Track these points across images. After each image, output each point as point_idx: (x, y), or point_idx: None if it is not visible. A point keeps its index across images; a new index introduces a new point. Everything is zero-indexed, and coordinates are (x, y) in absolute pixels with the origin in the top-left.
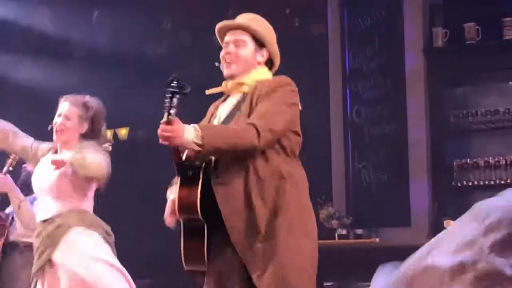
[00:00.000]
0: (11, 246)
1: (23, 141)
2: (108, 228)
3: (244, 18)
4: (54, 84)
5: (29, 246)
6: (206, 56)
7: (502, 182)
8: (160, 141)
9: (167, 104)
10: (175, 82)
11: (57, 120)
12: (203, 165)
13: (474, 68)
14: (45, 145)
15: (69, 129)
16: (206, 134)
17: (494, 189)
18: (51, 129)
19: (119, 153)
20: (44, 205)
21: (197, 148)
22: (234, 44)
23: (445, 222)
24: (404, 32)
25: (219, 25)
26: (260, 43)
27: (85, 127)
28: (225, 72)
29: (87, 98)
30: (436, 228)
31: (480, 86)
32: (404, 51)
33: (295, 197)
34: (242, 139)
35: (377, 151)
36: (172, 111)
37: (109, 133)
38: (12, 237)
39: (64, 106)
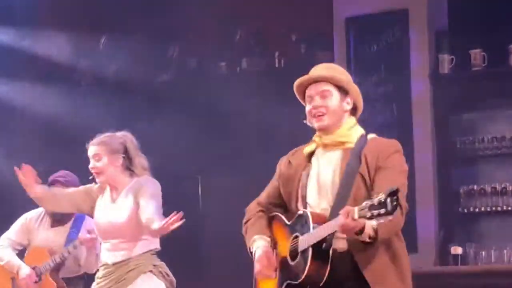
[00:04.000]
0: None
1: (73, 192)
2: (173, 280)
3: (322, 69)
4: (61, 112)
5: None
6: (213, 83)
7: (510, 208)
8: (342, 232)
9: (374, 211)
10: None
11: (90, 165)
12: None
13: (481, 94)
14: (90, 186)
15: (103, 168)
16: (380, 227)
17: (501, 216)
18: (93, 178)
19: None
20: (114, 247)
21: (368, 240)
22: (320, 96)
23: (452, 249)
24: (410, 58)
25: (298, 81)
26: (343, 91)
27: (119, 161)
28: (317, 124)
29: (110, 133)
30: (443, 254)
31: (487, 112)
32: (410, 78)
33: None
34: (398, 226)
35: None
36: (368, 215)
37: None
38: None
39: (91, 149)
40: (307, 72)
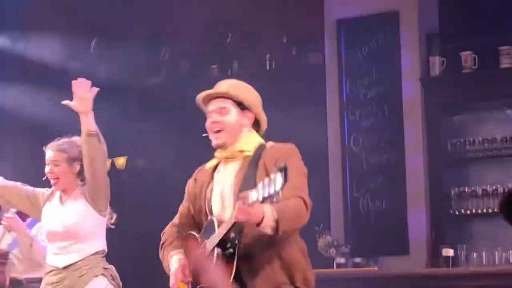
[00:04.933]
0: (15, 283)
1: (26, 191)
2: (120, 284)
3: (223, 85)
4: (52, 114)
5: (35, 281)
6: (204, 85)
7: None
8: (238, 217)
9: (266, 195)
10: None
11: (47, 168)
12: (237, 242)
13: (471, 96)
14: (41, 191)
15: (61, 174)
16: (281, 218)
17: (492, 218)
18: (47, 179)
19: (117, 182)
20: (62, 250)
21: (270, 232)
22: (218, 113)
23: (444, 251)
24: (401, 61)
25: (200, 95)
26: (242, 107)
27: (77, 168)
28: (214, 142)
29: (69, 138)
30: (434, 256)
31: (478, 114)
32: (401, 80)
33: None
34: (301, 220)
35: (375, 180)
36: (271, 198)
37: (107, 163)
38: (12, 274)
39: (48, 154)
40: (298, 74)
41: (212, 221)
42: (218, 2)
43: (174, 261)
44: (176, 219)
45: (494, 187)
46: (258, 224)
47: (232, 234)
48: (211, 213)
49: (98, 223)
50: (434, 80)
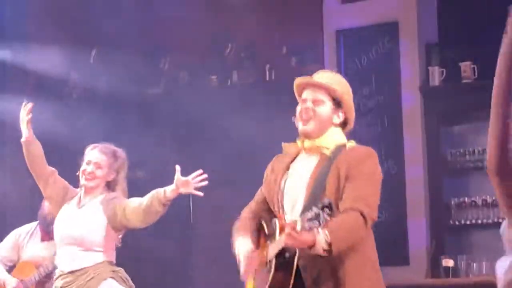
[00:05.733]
0: None
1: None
2: (133, 286)
3: (324, 77)
4: (52, 125)
5: None
6: (204, 96)
7: (501, 220)
8: (288, 243)
9: (311, 217)
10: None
11: (86, 167)
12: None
13: (471, 106)
14: (73, 189)
15: (98, 178)
16: (334, 240)
17: (492, 228)
18: (78, 175)
19: None
20: (72, 255)
21: (323, 254)
22: (313, 102)
23: (444, 261)
24: (400, 71)
25: (297, 80)
26: (337, 104)
27: (111, 176)
28: (301, 128)
29: (115, 147)
30: (434, 267)
31: (477, 124)
32: (401, 90)
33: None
34: (357, 236)
35: None
36: (311, 224)
37: None
38: None
39: (94, 154)
40: None
41: (274, 223)
42: (218, 13)
43: (239, 245)
44: (252, 203)
45: (494, 197)
46: (310, 247)
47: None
48: (281, 203)
49: (110, 236)
50: (433, 90)
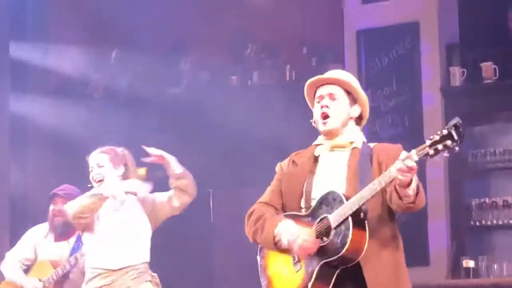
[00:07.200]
0: None
1: None
2: None
3: (334, 73)
4: (74, 125)
5: None
6: (224, 96)
7: None
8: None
9: (439, 145)
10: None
11: (92, 174)
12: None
13: (492, 107)
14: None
15: (106, 176)
16: (420, 194)
17: None
18: (91, 186)
19: None
20: (114, 252)
21: (411, 197)
22: (329, 97)
23: (464, 262)
24: (421, 71)
25: (309, 81)
26: (352, 98)
27: (120, 170)
28: (322, 128)
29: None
30: (455, 268)
31: (498, 125)
32: (422, 90)
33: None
34: (422, 205)
35: None
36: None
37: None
38: None
39: (94, 157)
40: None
41: (334, 192)
42: (238, 13)
43: (289, 229)
44: (266, 198)
45: None
46: (406, 186)
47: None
48: (309, 194)
49: (147, 234)
50: (454, 90)
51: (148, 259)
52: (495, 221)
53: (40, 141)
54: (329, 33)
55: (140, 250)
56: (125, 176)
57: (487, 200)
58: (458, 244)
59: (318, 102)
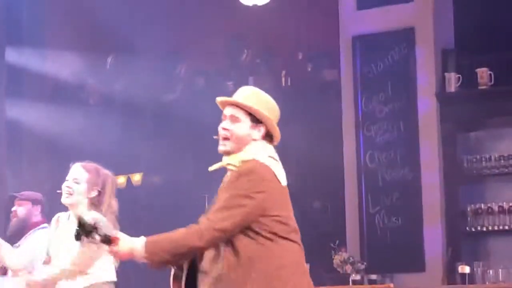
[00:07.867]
0: None
1: None
2: None
3: (241, 95)
4: (69, 130)
5: None
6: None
7: None
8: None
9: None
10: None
11: (65, 182)
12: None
13: (487, 113)
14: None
15: (76, 193)
16: (149, 249)
17: (508, 235)
18: (60, 193)
19: (133, 199)
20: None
21: (148, 261)
22: (230, 120)
23: (460, 268)
24: (417, 77)
25: (217, 100)
26: (256, 119)
27: (92, 193)
28: (219, 148)
29: (99, 166)
30: (450, 273)
31: (494, 131)
32: (417, 96)
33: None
34: (184, 245)
35: (391, 196)
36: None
37: (123, 179)
38: None
39: (75, 169)
40: (314, 90)
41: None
42: (234, 19)
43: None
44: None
45: (510, 204)
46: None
47: None
48: None
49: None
50: (450, 96)
51: (101, 280)
52: (490, 227)
53: (35, 146)
54: (324, 39)
55: (92, 273)
56: (95, 201)
57: (482, 205)
58: (453, 250)
59: (222, 121)
